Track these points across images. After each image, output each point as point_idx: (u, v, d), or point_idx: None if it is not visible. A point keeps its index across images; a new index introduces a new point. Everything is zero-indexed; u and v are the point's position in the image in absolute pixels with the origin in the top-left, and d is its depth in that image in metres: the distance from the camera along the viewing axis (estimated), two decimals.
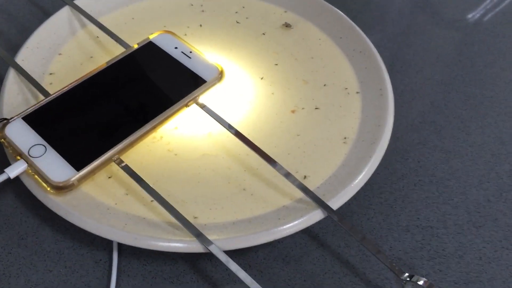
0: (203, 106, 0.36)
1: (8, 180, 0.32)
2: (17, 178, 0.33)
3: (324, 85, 0.40)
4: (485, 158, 0.39)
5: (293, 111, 0.39)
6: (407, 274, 0.30)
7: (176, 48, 0.39)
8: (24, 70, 0.38)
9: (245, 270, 0.31)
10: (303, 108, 0.39)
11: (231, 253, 0.31)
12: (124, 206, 0.33)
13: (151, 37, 0.39)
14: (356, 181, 0.34)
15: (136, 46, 0.39)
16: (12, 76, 0.38)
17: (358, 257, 0.33)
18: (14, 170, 0.32)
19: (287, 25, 0.45)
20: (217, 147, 0.36)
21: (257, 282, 0.29)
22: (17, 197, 0.35)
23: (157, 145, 0.36)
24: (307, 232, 0.34)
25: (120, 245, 0.33)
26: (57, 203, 0.32)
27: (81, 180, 0.32)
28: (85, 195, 0.33)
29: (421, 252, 0.34)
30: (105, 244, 0.33)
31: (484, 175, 0.38)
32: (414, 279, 0.30)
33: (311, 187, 0.34)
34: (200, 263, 0.33)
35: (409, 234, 0.35)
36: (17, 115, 0.34)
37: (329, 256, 0.33)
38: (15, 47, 0.41)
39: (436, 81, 0.44)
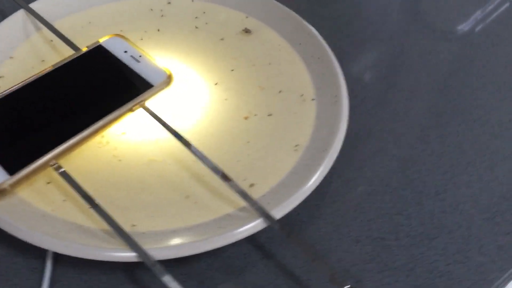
0: (150, 111, 0.35)
1: None
2: None
3: (280, 91, 0.39)
4: (443, 168, 0.38)
5: (246, 118, 0.38)
6: (348, 286, 0.29)
7: (125, 52, 0.38)
8: None
9: (184, 281, 0.30)
10: (255, 115, 0.38)
11: (173, 262, 0.30)
12: (61, 213, 0.32)
13: (101, 40, 0.39)
14: (303, 189, 0.32)
15: (85, 49, 0.38)
16: None
17: (304, 269, 0.32)
18: None
19: (246, 31, 0.44)
20: (164, 153, 0.35)
21: None
22: None
23: (103, 150, 0.35)
24: (253, 241, 0.33)
25: (57, 254, 0.32)
26: None
27: (15, 185, 0.31)
28: (21, 201, 0.32)
29: (370, 264, 0.33)
30: (42, 252, 0.32)
31: (441, 185, 0.37)
32: None
33: (257, 195, 0.33)
34: (138, 273, 0.31)
35: (359, 245, 0.33)
36: None
37: (274, 267, 0.32)
38: None
39: (398, 88, 0.43)
